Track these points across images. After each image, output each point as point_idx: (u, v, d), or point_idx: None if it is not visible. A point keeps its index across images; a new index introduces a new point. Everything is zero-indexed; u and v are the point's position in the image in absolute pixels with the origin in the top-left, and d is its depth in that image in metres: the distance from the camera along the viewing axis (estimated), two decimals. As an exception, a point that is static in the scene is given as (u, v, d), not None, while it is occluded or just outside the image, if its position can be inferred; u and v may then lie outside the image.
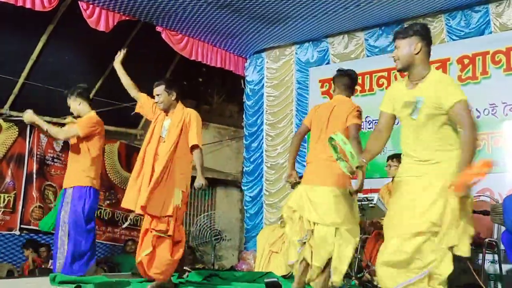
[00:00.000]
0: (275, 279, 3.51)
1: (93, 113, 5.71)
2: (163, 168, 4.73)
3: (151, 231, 4.79)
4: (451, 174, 3.36)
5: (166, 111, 5.06)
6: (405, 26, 3.70)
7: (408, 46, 3.53)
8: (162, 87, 5.06)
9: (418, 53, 3.52)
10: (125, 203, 4.89)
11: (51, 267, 6.02)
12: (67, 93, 5.75)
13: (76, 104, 5.71)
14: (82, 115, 5.70)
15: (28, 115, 5.54)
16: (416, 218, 3.35)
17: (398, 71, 3.70)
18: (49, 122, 5.89)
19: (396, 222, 3.47)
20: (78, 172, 5.55)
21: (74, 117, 5.80)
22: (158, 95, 5.05)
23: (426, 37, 3.57)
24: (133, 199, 4.80)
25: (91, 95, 8.36)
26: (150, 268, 4.75)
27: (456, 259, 5.48)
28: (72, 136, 5.55)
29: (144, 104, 5.30)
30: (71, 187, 5.54)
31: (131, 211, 5.01)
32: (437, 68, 6.77)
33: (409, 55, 3.53)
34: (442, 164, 3.44)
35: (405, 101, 3.52)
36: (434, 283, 3.39)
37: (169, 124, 4.97)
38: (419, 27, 3.58)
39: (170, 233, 4.77)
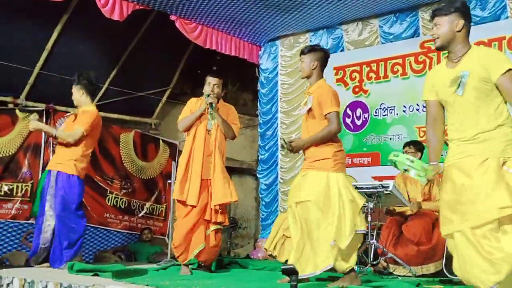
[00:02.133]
0: (292, 266, 3.51)
1: (93, 109, 5.70)
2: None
3: (207, 224, 5.19)
4: (502, 151, 3.23)
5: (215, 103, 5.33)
6: (443, 3, 3.48)
7: (449, 23, 3.40)
8: (220, 80, 5.41)
9: (460, 30, 3.40)
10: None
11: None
12: (74, 79, 5.78)
13: (78, 94, 5.73)
14: (80, 105, 5.71)
15: (33, 123, 5.64)
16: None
17: (437, 49, 3.56)
18: (65, 112, 5.92)
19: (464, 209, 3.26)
20: (66, 158, 5.57)
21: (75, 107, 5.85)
22: (215, 85, 5.39)
23: (467, 15, 3.45)
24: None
25: (106, 84, 8.52)
26: (200, 255, 5.18)
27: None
28: (79, 137, 5.55)
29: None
30: (55, 171, 5.54)
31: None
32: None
33: (451, 32, 3.40)
34: (495, 141, 3.27)
35: (450, 80, 3.37)
36: None
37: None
38: (460, 4, 3.43)
39: (226, 223, 5.34)
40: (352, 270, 4.21)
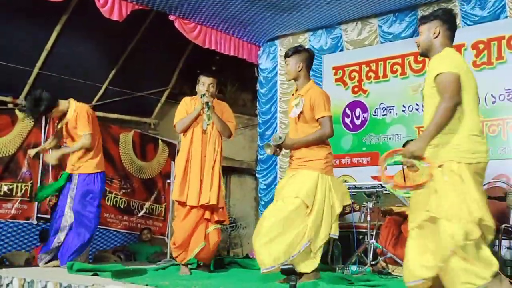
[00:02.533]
0: (291, 266, 3.52)
1: (77, 106, 5.69)
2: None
3: (207, 223, 5.18)
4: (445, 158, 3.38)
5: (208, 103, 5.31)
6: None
7: (428, 31, 3.58)
8: (215, 79, 5.38)
9: (436, 37, 3.55)
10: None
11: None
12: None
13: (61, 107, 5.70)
14: (67, 110, 5.70)
15: (53, 157, 5.84)
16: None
17: (420, 56, 3.75)
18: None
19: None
20: (84, 161, 5.66)
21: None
22: (210, 84, 5.33)
23: (447, 21, 3.58)
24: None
25: (105, 84, 8.54)
26: (200, 254, 5.16)
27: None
28: (90, 139, 5.61)
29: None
30: (76, 174, 5.65)
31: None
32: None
33: (428, 40, 3.58)
34: (440, 148, 3.42)
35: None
36: None
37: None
38: (441, 11, 3.60)
39: (226, 222, 5.40)
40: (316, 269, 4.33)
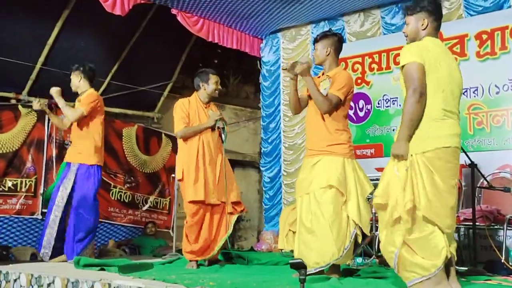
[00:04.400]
0: (300, 260, 3.51)
1: (92, 90, 5.83)
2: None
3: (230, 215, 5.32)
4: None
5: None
6: (414, 1, 3.72)
7: (416, 22, 3.63)
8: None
9: (425, 28, 3.60)
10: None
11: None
12: (72, 67, 5.84)
13: (77, 79, 5.83)
14: (79, 91, 5.80)
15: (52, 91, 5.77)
16: None
17: None
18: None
19: None
20: (83, 150, 5.68)
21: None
22: (219, 81, 5.50)
23: (434, 12, 3.62)
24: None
25: (107, 79, 8.51)
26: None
27: (478, 236, 5.51)
28: (80, 117, 5.65)
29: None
30: (76, 163, 5.64)
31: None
32: (454, 44, 6.76)
33: (416, 31, 3.63)
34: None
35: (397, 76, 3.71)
36: None
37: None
38: (427, 2, 3.62)
39: (245, 210, 5.66)
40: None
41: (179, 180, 5.25)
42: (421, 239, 3.34)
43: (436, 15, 3.64)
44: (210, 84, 5.31)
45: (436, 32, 3.65)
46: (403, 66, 3.46)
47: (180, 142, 5.30)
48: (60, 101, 5.77)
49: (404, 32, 3.74)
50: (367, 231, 4.22)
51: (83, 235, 5.53)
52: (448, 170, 3.41)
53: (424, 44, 3.53)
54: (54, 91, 5.81)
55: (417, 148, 3.37)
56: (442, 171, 3.36)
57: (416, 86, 3.35)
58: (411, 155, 3.37)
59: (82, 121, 5.73)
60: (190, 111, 5.31)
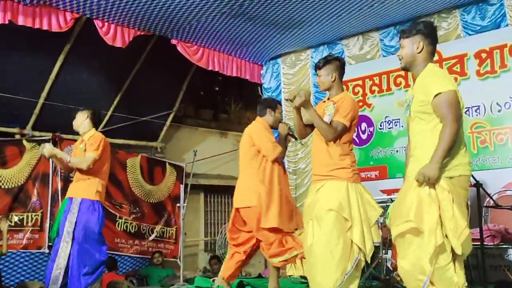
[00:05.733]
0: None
1: (99, 133, 5.73)
2: None
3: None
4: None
5: None
6: (410, 24, 3.74)
7: (411, 45, 3.59)
8: None
9: (420, 52, 3.57)
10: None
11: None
12: (81, 108, 5.82)
13: (82, 118, 5.73)
14: (81, 131, 5.72)
15: (48, 149, 5.58)
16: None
17: (402, 69, 3.75)
18: (71, 140, 5.93)
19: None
20: (87, 185, 5.55)
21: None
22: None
23: (429, 35, 3.61)
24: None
25: (110, 111, 8.56)
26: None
27: (487, 256, 5.47)
28: (93, 163, 5.51)
29: None
30: (79, 198, 5.52)
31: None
32: (454, 64, 6.80)
33: (412, 54, 3.60)
34: (421, 159, 3.44)
35: (402, 100, 3.65)
36: None
37: None
38: (422, 25, 3.61)
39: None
40: None
41: (248, 208, 4.99)
42: (438, 269, 3.30)
43: (432, 38, 3.62)
44: (277, 113, 5.27)
45: (431, 56, 3.63)
46: (437, 94, 3.39)
47: (251, 168, 5.06)
48: (63, 155, 5.67)
49: (398, 55, 3.69)
50: (368, 258, 4.17)
51: (90, 269, 5.47)
52: (463, 197, 3.44)
53: (446, 73, 3.58)
54: (46, 150, 5.60)
55: (447, 171, 3.36)
56: (458, 197, 3.36)
57: (457, 116, 3.36)
58: (443, 178, 3.35)
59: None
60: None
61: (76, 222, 5.49)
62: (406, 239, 3.41)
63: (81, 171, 5.58)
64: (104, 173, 5.68)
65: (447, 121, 3.35)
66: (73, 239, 5.50)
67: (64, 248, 5.48)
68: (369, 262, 4.43)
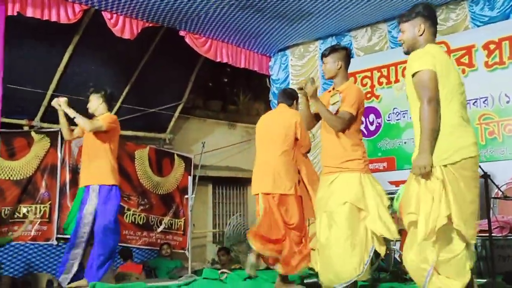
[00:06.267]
0: (316, 280, 3.49)
1: (110, 113, 5.78)
2: None
3: None
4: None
5: None
6: (408, 8, 3.66)
7: (412, 28, 3.56)
8: None
9: (422, 34, 3.53)
10: None
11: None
12: (93, 90, 5.82)
13: (97, 102, 5.75)
14: (97, 113, 5.74)
15: (59, 101, 5.59)
16: None
17: (405, 54, 3.66)
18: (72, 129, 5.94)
19: None
20: (101, 171, 5.56)
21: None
22: None
23: (429, 17, 3.56)
24: None
25: (118, 103, 8.57)
26: None
27: (495, 247, 5.45)
28: (97, 128, 5.51)
29: None
30: (95, 185, 5.53)
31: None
32: (462, 55, 6.76)
33: (413, 37, 3.56)
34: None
35: (400, 84, 3.60)
36: None
37: None
38: (421, 8, 3.56)
39: None
40: None
41: (287, 196, 4.96)
42: (450, 259, 3.28)
43: (432, 20, 3.58)
44: (296, 107, 5.30)
45: (433, 38, 3.58)
46: (414, 74, 3.37)
47: (286, 156, 5.02)
48: (72, 112, 5.55)
49: (400, 40, 3.66)
50: (397, 236, 4.16)
51: (104, 258, 5.49)
52: (472, 179, 3.36)
53: (432, 51, 3.45)
54: (63, 101, 5.61)
55: (445, 159, 3.29)
56: (468, 181, 3.31)
57: (431, 96, 3.29)
58: (438, 166, 3.29)
59: (99, 141, 5.61)
60: None
61: (95, 212, 5.49)
62: (411, 230, 3.41)
63: (90, 153, 5.60)
64: (114, 153, 5.69)
65: (420, 104, 3.32)
66: (91, 229, 5.52)
67: (81, 239, 5.50)
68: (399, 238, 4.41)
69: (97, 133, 5.58)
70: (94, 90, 5.85)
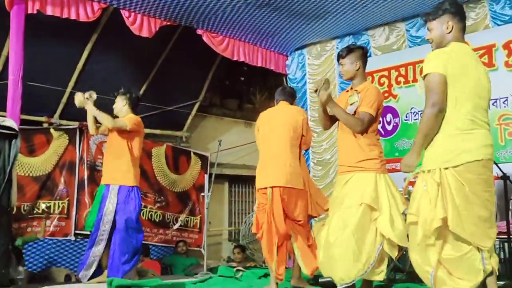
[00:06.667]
0: (329, 279, 3.47)
1: (135, 115, 5.82)
2: None
3: None
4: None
5: None
6: (434, 6, 3.58)
7: (440, 26, 3.48)
8: None
9: (450, 31, 3.46)
10: None
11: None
12: (120, 91, 5.86)
13: (122, 103, 5.81)
14: (120, 115, 5.78)
15: (80, 99, 5.58)
16: None
17: None
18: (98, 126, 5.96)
19: None
20: (123, 171, 5.61)
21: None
22: None
23: (457, 13, 3.48)
24: None
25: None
26: None
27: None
28: (119, 127, 5.56)
29: None
30: (116, 185, 5.59)
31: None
32: (482, 55, 6.70)
33: (441, 35, 3.49)
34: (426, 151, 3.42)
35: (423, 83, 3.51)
36: None
37: None
38: (448, 4, 3.48)
39: None
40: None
41: (301, 190, 4.97)
42: (458, 258, 3.23)
43: (460, 15, 3.49)
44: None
45: (462, 34, 3.50)
46: (424, 76, 3.34)
47: (294, 153, 5.00)
48: (92, 109, 5.57)
49: (428, 39, 3.59)
50: (402, 243, 4.14)
51: (129, 256, 5.53)
52: (480, 183, 3.26)
53: (450, 51, 3.38)
54: (82, 97, 5.59)
55: (446, 162, 3.24)
56: (473, 185, 3.23)
57: (435, 100, 3.26)
58: (438, 169, 3.25)
59: (123, 142, 5.66)
60: None
61: (116, 211, 5.54)
62: (411, 230, 3.41)
63: (113, 153, 5.65)
64: (137, 155, 5.73)
65: (424, 106, 3.31)
66: (112, 227, 5.56)
67: (102, 236, 5.55)
68: (404, 246, 4.38)
69: (121, 133, 5.63)
70: (120, 91, 5.88)
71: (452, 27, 3.45)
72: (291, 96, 5.28)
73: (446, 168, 3.25)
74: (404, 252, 5.43)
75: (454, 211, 3.20)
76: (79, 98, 5.60)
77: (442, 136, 3.30)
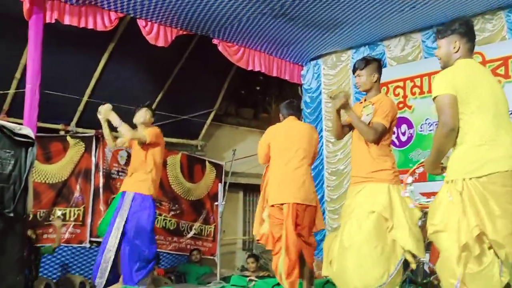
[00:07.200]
0: None
1: (157, 128, 5.88)
2: None
3: None
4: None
5: None
6: (445, 24, 3.62)
7: (448, 45, 3.51)
8: None
9: (457, 51, 3.47)
10: None
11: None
12: (142, 105, 5.93)
13: (147, 115, 5.88)
14: (144, 126, 5.83)
15: (105, 109, 5.66)
16: None
17: (442, 69, 3.58)
18: (113, 137, 6.02)
19: None
20: (140, 180, 5.68)
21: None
22: None
23: (466, 34, 3.49)
24: None
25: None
26: None
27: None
28: (139, 139, 5.65)
29: None
30: (131, 192, 5.65)
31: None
32: (498, 66, 6.67)
33: (448, 54, 3.51)
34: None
35: None
36: None
37: None
38: (458, 25, 3.50)
39: None
40: None
41: (313, 207, 5.03)
42: (476, 274, 3.17)
43: (469, 37, 3.51)
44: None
45: (470, 53, 3.51)
46: (435, 97, 3.35)
47: (305, 168, 5.06)
48: (116, 119, 5.62)
49: (437, 56, 3.61)
50: (422, 255, 4.12)
51: (140, 265, 5.54)
52: (504, 194, 3.20)
53: (455, 68, 3.41)
54: (109, 108, 5.68)
55: (469, 172, 3.22)
56: (497, 196, 3.17)
57: (445, 121, 3.27)
58: (461, 179, 3.23)
59: (143, 153, 5.72)
60: None
61: (127, 218, 5.58)
62: (437, 241, 3.38)
63: (134, 162, 5.71)
64: (158, 168, 5.78)
65: (438, 123, 3.35)
66: (123, 234, 5.59)
67: (113, 243, 5.58)
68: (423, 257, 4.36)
69: (142, 144, 5.71)
70: (147, 104, 6.03)
71: (459, 48, 3.48)
72: (299, 110, 5.34)
73: (470, 179, 3.22)
74: (418, 263, 5.41)
75: (488, 217, 3.16)
76: (106, 108, 5.68)
77: (466, 147, 3.29)
